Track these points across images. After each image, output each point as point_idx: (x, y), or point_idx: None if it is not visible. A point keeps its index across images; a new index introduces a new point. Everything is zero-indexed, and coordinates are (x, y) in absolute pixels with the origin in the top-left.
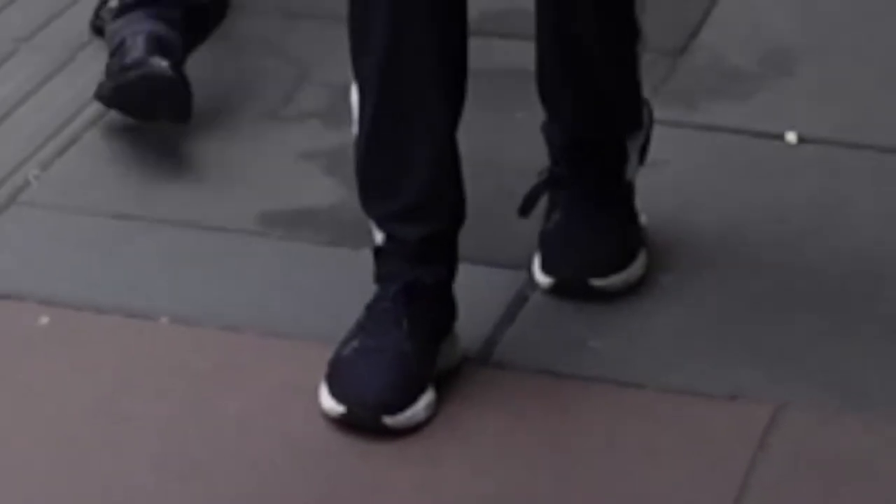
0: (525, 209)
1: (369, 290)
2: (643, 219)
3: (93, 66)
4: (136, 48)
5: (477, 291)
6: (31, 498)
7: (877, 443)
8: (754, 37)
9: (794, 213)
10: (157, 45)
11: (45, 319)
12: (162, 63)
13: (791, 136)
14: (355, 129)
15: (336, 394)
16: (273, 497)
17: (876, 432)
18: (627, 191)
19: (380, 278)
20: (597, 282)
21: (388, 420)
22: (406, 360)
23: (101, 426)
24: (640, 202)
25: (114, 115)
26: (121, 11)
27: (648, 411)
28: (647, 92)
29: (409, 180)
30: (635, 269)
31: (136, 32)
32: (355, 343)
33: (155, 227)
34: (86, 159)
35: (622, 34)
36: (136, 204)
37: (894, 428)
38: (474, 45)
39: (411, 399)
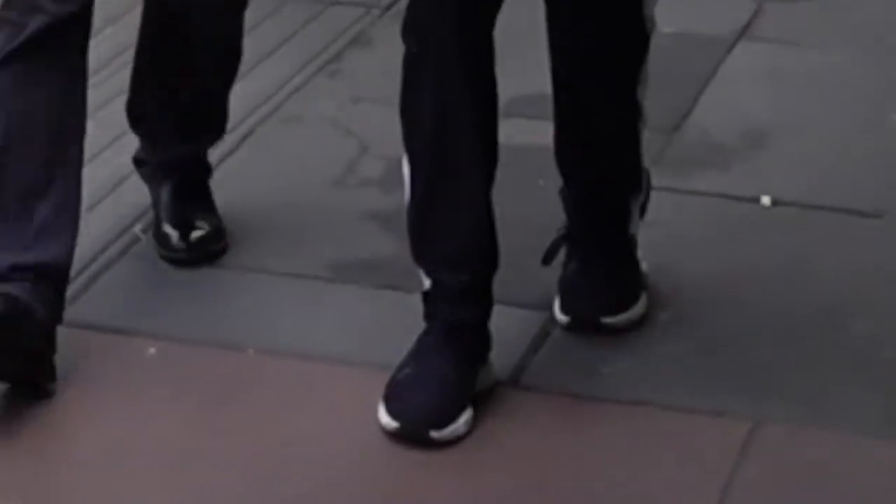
0: (547, 259)
1: (419, 326)
2: (644, 266)
3: None
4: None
5: (508, 327)
6: (145, 499)
7: (840, 452)
8: (735, 118)
9: (769, 264)
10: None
11: (152, 350)
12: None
13: (766, 200)
14: (407, 194)
15: (391, 412)
16: (339, 498)
17: (839, 443)
18: (631, 243)
19: (428, 317)
20: (607, 319)
21: (435, 434)
22: (449, 384)
23: (199, 439)
24: (641, 252)
25: None
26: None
27: (649, 425)
28: (646, 162)
29: (452, 236)
30: (638, 309)
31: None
32: (408, 370)
33: (242, 274)
34: None
35: (627, 115)
36: (227, 255)
37: (855, 439)
38: (506, 125)
39: (454, 416)
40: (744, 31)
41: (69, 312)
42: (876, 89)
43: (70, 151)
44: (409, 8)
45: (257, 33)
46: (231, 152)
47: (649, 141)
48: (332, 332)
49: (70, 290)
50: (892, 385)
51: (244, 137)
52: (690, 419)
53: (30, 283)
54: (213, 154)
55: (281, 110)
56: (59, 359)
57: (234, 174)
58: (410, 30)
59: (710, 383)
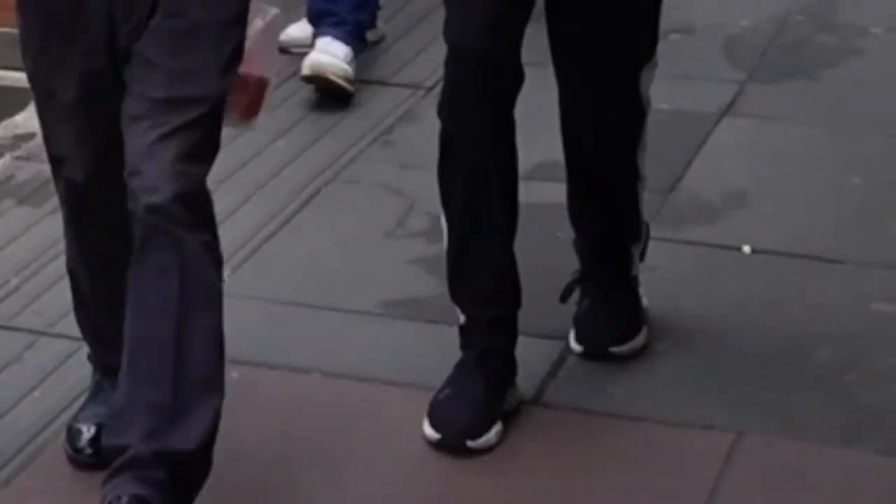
0: (564, 298)
1: (456, 354)
2: (645, 302)
3: (269, 201)
4: None
5: (531, 355)
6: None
7: (809, 458)
8: (721, 181)
9: (749, 302)
10: None
11: (234, 374)
12: None
13: (746, 249)
14: (445, 245)
15: (434, 425)
16: (392, 495)
17: (808, 451)
18: (633, 283)
19: (464, 347)
20: (614, 348)
21: (470, 443)
22: (482, 403)
23: (275, 450)
24: (642, 291)
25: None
26: None
27: (648, 436)
28: (646, 216)
29: (482, 280)
30: (640, 340)
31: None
32: (448, 391)
33: (310, 309)
34: (266, 263)
35: (629, 178)
36: (297, 294)
37: (820, 448)
38: (529, 187)
39: (486, 429)
40: (728, 109)
41: None
42: (838, 158)
43: None
44: (443, 92)
45: (321, 110)
46: (300, 209)
47: (648, 200)
48: (384, 359)
49: None
50: (851, 403)
51: (312, 196)
52: (683, 431)
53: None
54: (287, 210)
55: (342, 174)
56: None
57: (303, 227)
58: (444, 110)
59: (699, 401)
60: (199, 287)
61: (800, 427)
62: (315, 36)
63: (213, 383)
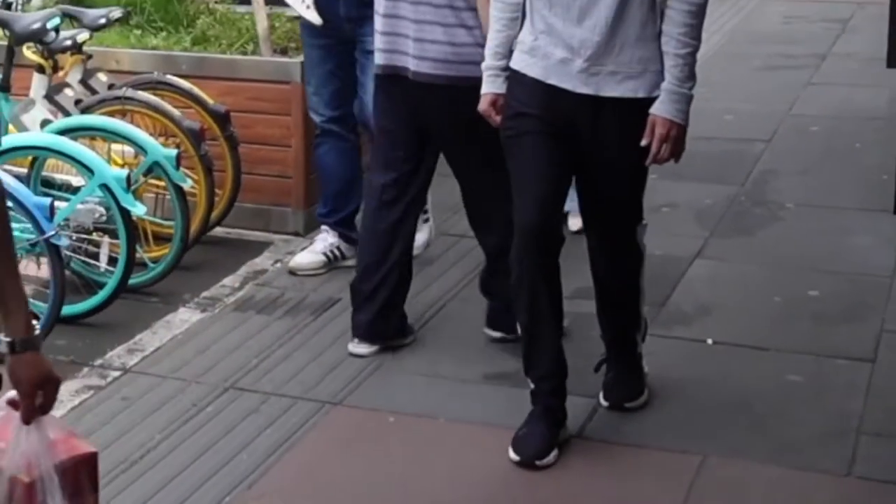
0: (596, 370)
1: (529, 407)
2: (646, 369)
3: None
4: None
5: (575, 406)
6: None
7: (750, 473)
8: (695, 300)
9: (711, 375)
10: None
11: (391, 419)
12: None
13: (710, 341)
14: (521, 339)
15: (515, 450)
16: (488, 494)
17: (750, 469)
18: (639, 359)
19: (533, 403)
20: (627, 404)
21: (538, 462)
22: (545, 437)
23: (416, 466)
24: (644, 364)
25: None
26: None
27: (647, 458)
28: (646, 319)
29: (542, 362)
30: (644, 398)
31: None
32: (524, 429)
33: (439, 379)
34: (411, 349)
35: (634, 296)
36: (431, 369)
37: (758, 466)
38: (571, 303)
39: (548, 453)
40: (698, 254)
41: (353, 399)
42: (768, 285)
43: None
44: (513, 250)
45: (432, 287)
46: (433, 315)
47: (648, 310)
48: (484, 410)
49: (349, 388)
50: (775, 437)
51: (440, 309)
52: (668, 454)
53: None
54: (424, 317)
55: (459, 294)
56: (344, 425)
57: (437, 327)
58: (514, 262)
59: (679, 435)
60: None
61: (743, 452)
62: None
63: None
